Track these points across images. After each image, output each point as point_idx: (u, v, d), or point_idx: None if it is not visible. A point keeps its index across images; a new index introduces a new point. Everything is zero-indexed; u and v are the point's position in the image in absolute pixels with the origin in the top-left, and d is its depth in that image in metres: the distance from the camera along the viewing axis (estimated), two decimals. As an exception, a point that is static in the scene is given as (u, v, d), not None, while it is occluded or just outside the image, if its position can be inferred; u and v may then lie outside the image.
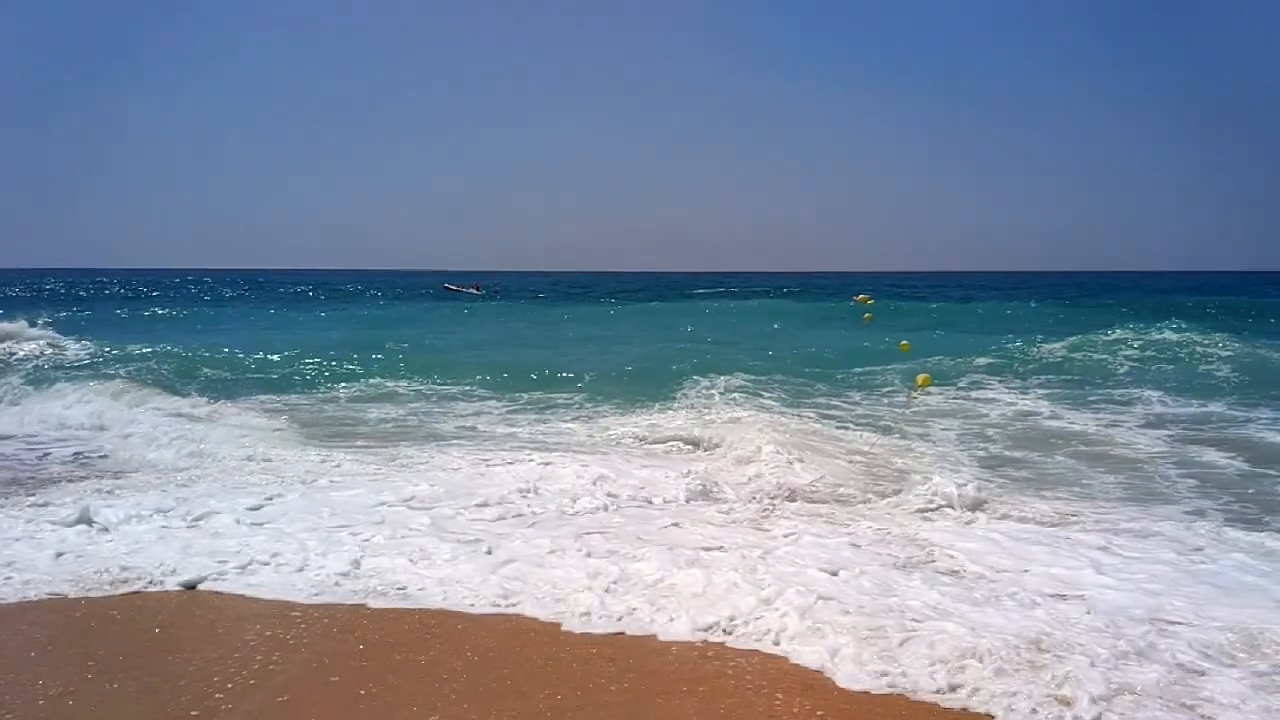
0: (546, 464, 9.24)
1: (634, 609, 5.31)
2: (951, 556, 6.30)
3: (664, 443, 10.94)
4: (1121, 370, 17.31)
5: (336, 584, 5.81)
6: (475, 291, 62.76)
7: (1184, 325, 21.61)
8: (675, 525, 7.17)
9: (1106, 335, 20.72)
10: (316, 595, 5.64)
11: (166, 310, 42.94)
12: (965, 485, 7.93)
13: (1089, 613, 5.22)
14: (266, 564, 6.12)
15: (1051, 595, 5.52)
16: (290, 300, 56.98)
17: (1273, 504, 8.03)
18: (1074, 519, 7.47)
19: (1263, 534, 6.90)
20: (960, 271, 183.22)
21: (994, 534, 6.91)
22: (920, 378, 15.54)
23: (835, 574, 5.83)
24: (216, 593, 5.71)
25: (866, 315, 33.63)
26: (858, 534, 6.88)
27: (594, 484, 8.46)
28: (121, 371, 16.85)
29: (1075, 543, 6.66)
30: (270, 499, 7.88)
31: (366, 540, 6.66)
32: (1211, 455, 9.96)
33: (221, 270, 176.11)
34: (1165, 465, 9.59)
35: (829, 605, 5.24)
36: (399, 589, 5.72)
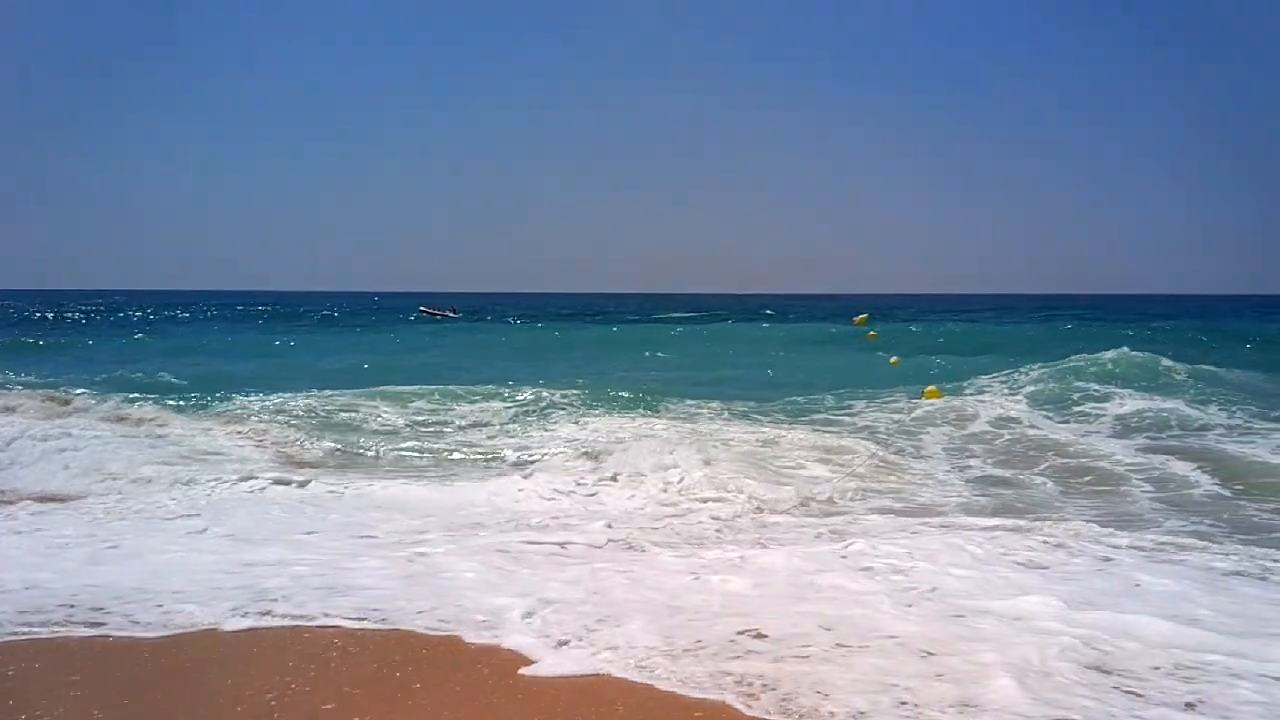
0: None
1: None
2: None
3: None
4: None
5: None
6: (452, 314, 62.77)
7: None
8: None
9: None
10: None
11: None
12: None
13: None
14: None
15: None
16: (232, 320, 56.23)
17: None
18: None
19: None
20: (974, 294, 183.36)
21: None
22: (928, 390, 15.88)
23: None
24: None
25: (871, 333, 34.58)
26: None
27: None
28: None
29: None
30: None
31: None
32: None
33: (171, 291, 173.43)
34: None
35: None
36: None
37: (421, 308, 69.16)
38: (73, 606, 5.56)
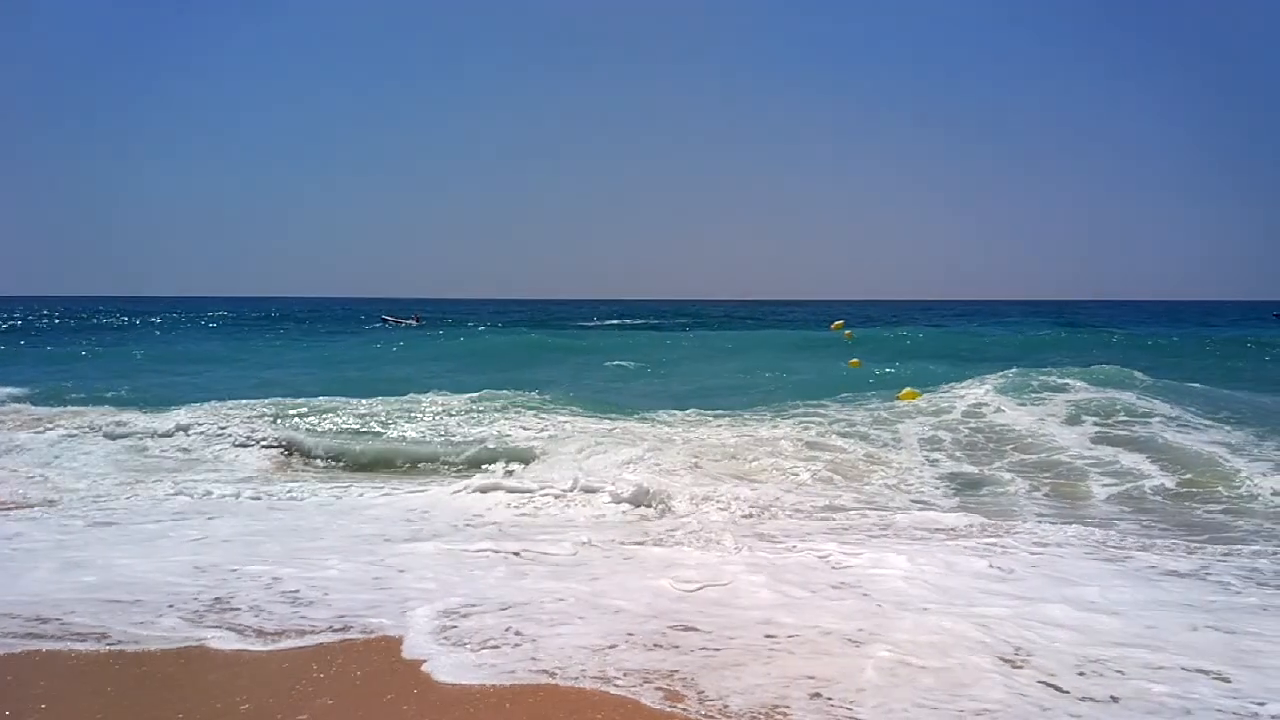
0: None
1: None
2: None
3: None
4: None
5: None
6: (415, 323, 62.71)
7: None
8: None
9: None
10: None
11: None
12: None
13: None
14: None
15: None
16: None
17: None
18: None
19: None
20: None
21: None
22: (905, 391, 16.10)
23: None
24: None
25: (847, 332, 35.83)
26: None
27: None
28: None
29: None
30: None
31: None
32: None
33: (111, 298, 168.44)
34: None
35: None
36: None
37: (384, 316, 69.13)
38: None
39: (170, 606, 5.70)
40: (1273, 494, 8.99)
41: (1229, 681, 4.49)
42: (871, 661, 4.65)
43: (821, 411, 14.96)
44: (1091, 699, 4.27)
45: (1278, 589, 6.06)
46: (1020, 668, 4.63)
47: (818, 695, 4.25)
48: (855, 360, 21.52)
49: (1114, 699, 4.27)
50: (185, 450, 12.28)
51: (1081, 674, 4.57)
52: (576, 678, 4.52)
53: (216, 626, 5.35)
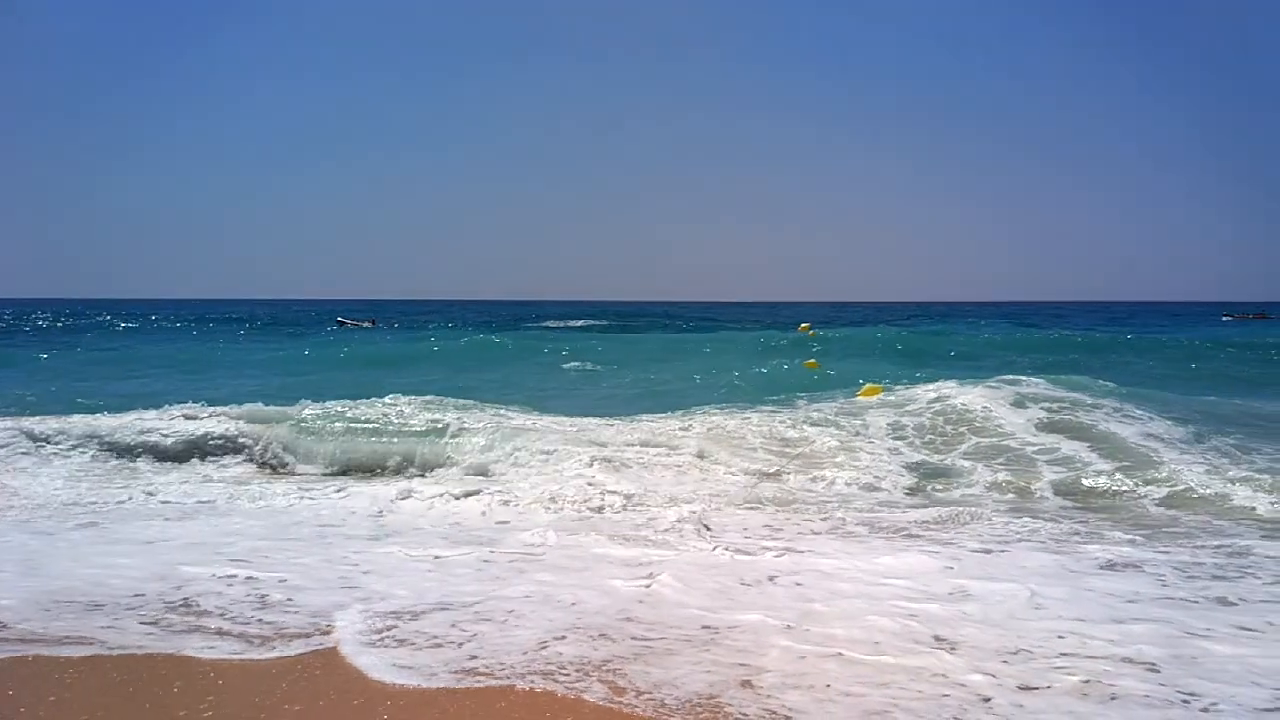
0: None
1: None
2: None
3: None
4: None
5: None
6: (370, 325, 62.65)
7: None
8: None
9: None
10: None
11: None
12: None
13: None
14: None
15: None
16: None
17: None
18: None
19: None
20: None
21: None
22: (866, 387, 16.34)
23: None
24: None
25: (811, 332, 36.55)
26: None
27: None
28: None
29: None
30: None
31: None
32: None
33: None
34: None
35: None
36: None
37: (340, 318, 69.02)
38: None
39: (128, 610, 5.73)
40: (1205, 488, 9.20)
41: (1158, 671, 4.63)
42: (799, 651, 4.76)
43: (771, 409, 15.09)
44: (1017, 687, 4.41)
45: (1210, 582, 6.26)
46: (950, 657, 4.76)
47: (748, 684, 4.35)
48: (812, 360, 21.68)
49: (1041, 687, 4.41)
50: (130, 454, 12.16)
51: (1005, 663, 4.71)
52: (520, 675, 4.61)
53: (182, 631, 5.37)
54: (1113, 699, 4.29)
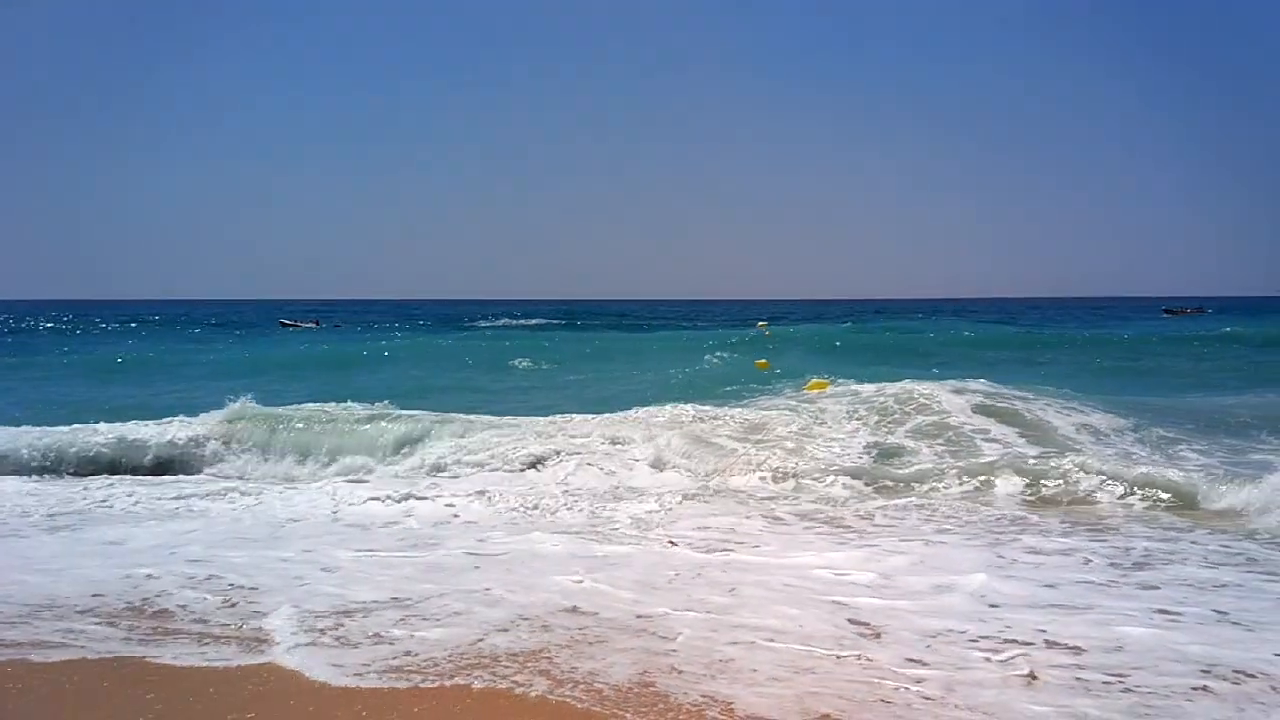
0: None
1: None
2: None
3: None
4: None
5: None
6: (314, 326, 62.11)
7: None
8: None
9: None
10: None
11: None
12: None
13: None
14: None
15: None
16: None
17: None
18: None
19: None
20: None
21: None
22: (812, 382, 16.70)
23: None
24: None
25: (767, 331, 37.28)
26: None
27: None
28: None
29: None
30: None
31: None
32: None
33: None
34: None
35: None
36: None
37: (283, 320, 68.17)
38: None
39: (81, 613, 5.71)
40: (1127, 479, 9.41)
41: (1084, 652, 4.82)
42: (727, 637, 4.93)
43: (713, 404, 15.29)
44: (946, 672, 4.57)
45: (1133, 569, 6.49)
46: (879, 644, 4.91)
47: (676, 671, 4.47)
48: (762, 361, 22.02)
49: (969, 670, 4.57)
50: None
51: (929, 647, 4.88)
52: (461, 670, 4.68)
53: (138, 638, 5.34)
54: (1033, 679, 4.46)
